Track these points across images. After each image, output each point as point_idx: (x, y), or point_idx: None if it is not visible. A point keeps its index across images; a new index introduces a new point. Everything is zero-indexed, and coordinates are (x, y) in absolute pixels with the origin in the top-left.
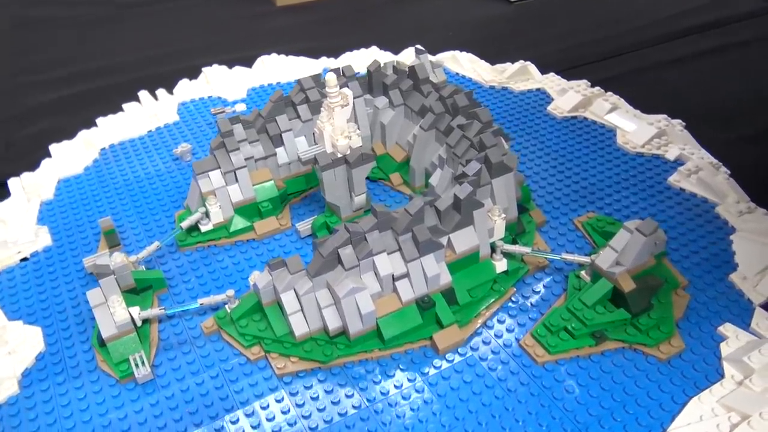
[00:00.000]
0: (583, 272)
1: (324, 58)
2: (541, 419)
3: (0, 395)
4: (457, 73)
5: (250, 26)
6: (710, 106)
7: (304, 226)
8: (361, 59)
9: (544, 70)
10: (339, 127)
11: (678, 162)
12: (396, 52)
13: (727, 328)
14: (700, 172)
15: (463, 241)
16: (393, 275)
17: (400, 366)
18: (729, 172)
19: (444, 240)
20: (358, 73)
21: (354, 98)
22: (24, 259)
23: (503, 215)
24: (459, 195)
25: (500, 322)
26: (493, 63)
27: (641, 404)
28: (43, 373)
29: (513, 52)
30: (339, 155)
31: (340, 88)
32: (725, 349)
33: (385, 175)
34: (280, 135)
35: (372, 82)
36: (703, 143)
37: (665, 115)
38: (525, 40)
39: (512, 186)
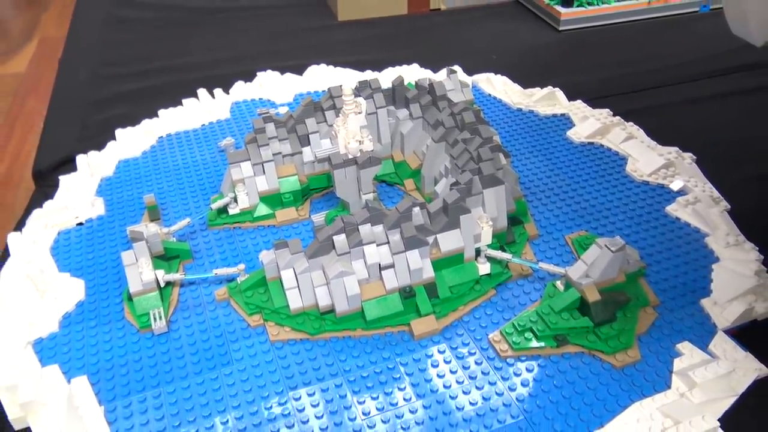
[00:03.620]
0: (558, 282)
1: (369, 71)
2: (494, 404)
3: (42, 331)
4: (489, 94)
5: (311, 37)
6: (728, 145)
7: (319, 218)
8: (402, 74)
9: (572, 97)
10: (352, 132)
11: (680, 193)
12: (435, 70)
13: (684, 346)
14: (697, 203)
15: (449, 241)
16: (380, 264)
17: (378, 345)
18: (729, 207)
19: (431, 239)
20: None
21: (378, 108)
22: (80, 224)
23: (491, 223)
24: (447, 200)
25: (476, 317)
26: (525, 87)
27: (587, 402)
28: (79, 317)
29: (548, 77)
30: (350, 156)
31: (368, 98)
32: (677, 364)
33: (400, 179)
34: (307, 136)
35: (395, 96)
36: (710, 178)
37: (677, 148)
38: (562, 67)
39: (503, 198)
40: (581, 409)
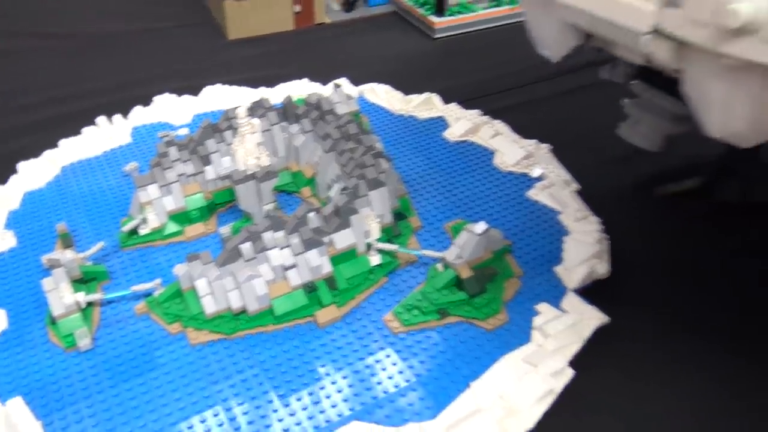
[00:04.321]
0: (438, 264)
1: (262, 88)
2: (390, 372)
3: None
4: (374, 103)
5: (204, 57)
6: (578, 134)
7: (226, 230)
8: (293, 89)
9: (447, 101)
10: (249, 150)
11: (539, 179)
12: (324, 82)
13: (541, 306)
14: (552, 187)
15: (343, 239)
16: (283, 265)
17: (288, 337)
18: (579, 187)
19: (326, 239)
20: (279, 104)
21: (272, 125)
22: None
23: (378, 221)
24: (338, 203)
25: (371, 303)
26: (406, 94)
27: (466, 362)
28: (5, 345)
29: (426, 83)
30: (249, 172)
31: (262, 117)
32: (536, 321)
33: (297, 188)
34: (209, 156)
35: (287, 113)
36: (564, 164)
37: (536, 140)
38: (438, 73)
39: (386, 198)
40: (462, 367)
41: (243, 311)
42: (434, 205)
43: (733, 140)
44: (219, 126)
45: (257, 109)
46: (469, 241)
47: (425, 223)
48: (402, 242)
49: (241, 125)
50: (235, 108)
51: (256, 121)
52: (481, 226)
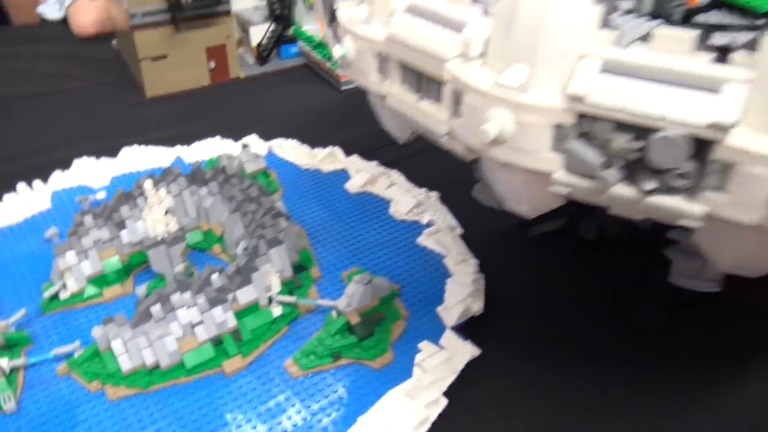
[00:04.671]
0: (333, 312)
1: (178, 146)
2: (289, 413)
3: None
4: (282, 158)
5: (123, 116)
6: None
7: (141, 290)
8: (207, 148)
9: (349, 153)
10: (157, 218)
11: (428, 225)
12: (237, 138)
13: (423, 344)
14: (439, 232)
15: (245, 295)
16: (191, 323)
17: (198, 387)
18: (462, 231)
19: (230, 296)
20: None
21: (182, 190)
22: None
23: (278, 275)
24: (239, 263)
25: (274, 350)
26: (314, 146)
27: (356, 398)
28: None
29: (331, 135)
30: (159, 238)
31: (172, 182)
32: (417, 358)
33: (208, 245)
34: (123, 221)
35: (195, 177)
36: (451, 210)
37: (426, 189)
38: (343, 125)
39: (285, 254)
40: (351, 404)
41: (156, 366)
42: (334, 255)
43: (522, 214)
44: (132, 193)
45: (168, 175)
46: (357, 291)
47: (325, 273)
48: (302, 293)
49: (149, 197)
50: (144, 179)
51: (162, 192)
52: (365, 277)
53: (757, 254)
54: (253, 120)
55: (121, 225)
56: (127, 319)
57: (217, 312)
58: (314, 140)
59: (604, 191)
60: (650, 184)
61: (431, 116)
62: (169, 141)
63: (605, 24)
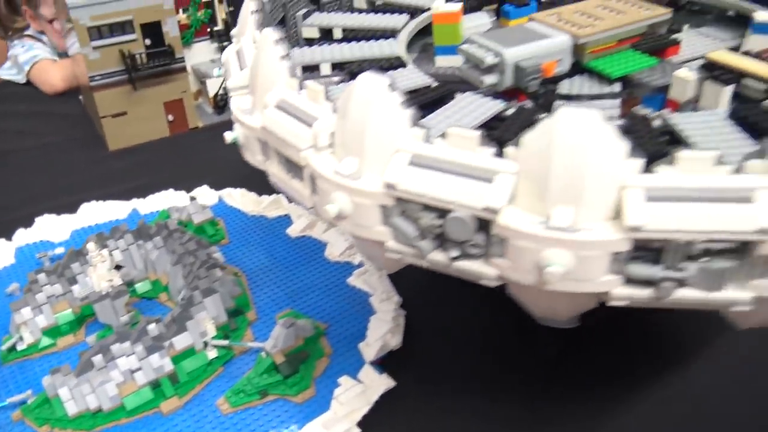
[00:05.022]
0: (262, 353)
1: (135, 199)
2: None
3: None
4: (231, 206)
5: (85, 170)
6: None
7: (92, 339)
8: (160, 199)
9: (292, 199)
10: (101, 275)
11: (359, 266)
12: (190, 189)
13: (343, 379)
14: (367, 273)
15: (181, 342)
16: (131, 369)
17: (137, 427)
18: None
19: (167, 342)
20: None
21: (129, 245)
22: None
23: (213, 322)
24: (174, 313)
25: (209, 390)
26: (260, 194)
27: (277, 431)
28: None
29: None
30: (104, 293)
31: (120, 239)
32: (336, 392)
33: (156, 294)
34: (74, 276)
35: (141, 233)
36: None
37: None
38: None
39: (219, 302)
40: None
41: (100, 410)
42: (271, 298)
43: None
44: (82, 251)
45: (116, 233)
46: (281, 333)
47: (261, 315)
48: (237, 336)
49: (93, 257)
50: (87, 242)
51: (105, 252)
52: (288, 321)
53: (555, 307)
54: (207, 169)
55: (73, 280)
56: (72, 369)
57: (154, 358)
58: (261, 188)
59: (423, 257)
60: (454, 252)
61: (300, 192)
62: (129, 194)
63: (415, 123)
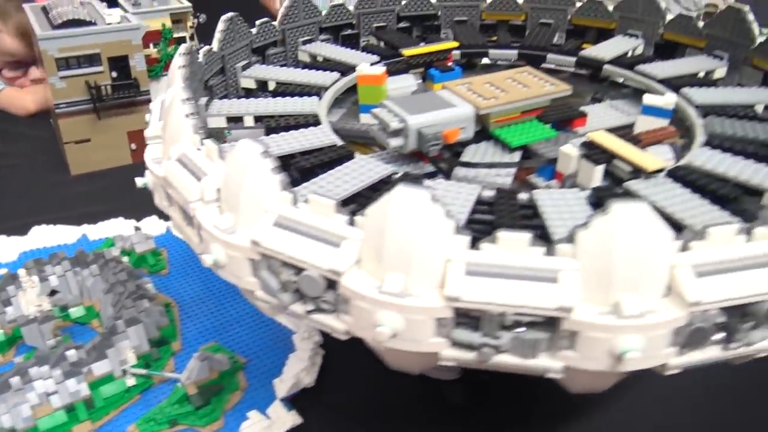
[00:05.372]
0: (179, 384)
1: (85, 225)
2: None
3: None
4: (177, 236)
5: (47, 194)
6: None
7: (19, 359)
8: (109, 227)
9: None
10: (30, 300)
11: None
12: (139, 219)
13: (252, 413)
14: None
15: (100, 368)
16: (47, 392)
17: None
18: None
19: (86, 368)
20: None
21: (65, 271)
22: None
23: (133, 351)
24: (94, 341)
25: (124, 416)
26: None
27: None
28: None
29: None
30: (32, 317)
31: (57, 265)
32: (243, 425)
33: (89, 319)
34: (9, 299)
35: (79, 261)
36: None
37: None
38: None
39: (143, 332)
40: None
41: (14, 430)
42: (199, 329)
43: (269, 315)
44: (18, 275)
45: (54, 258)
46: (195, 366)
47: (187, 346)
48: (159, 366)
49: (24, 281)
50: (29, 262)
51: (35, 277)
52: (203, 355)
53: (401, 361)
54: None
55: (8, 302)
56: None
57: (71, 383)
58: None
59: (285, 308)
60: (309, 306)
61: (191, 239)
62: (82, 219)
63: (285, 188)
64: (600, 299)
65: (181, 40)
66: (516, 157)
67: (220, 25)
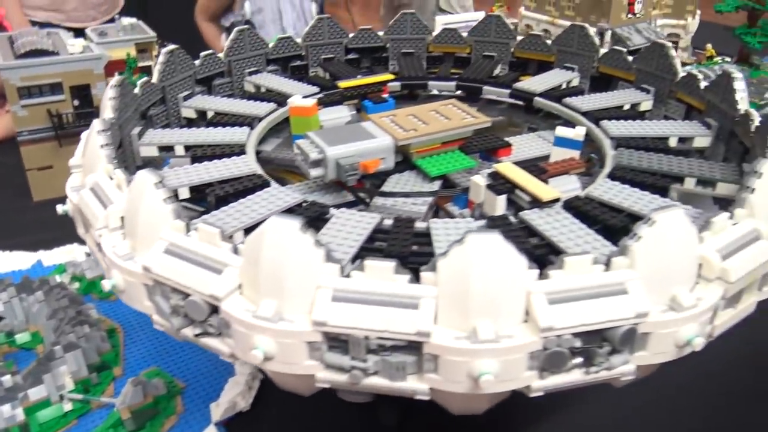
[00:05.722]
0: (115, 409)
1: (41, 251)
2: None
3: None
4: None
5: (7, 220)
6: None
7: None
8: (64, 253)
9: None
10: None
11: None
12: None
13: None
14: None
15: (36, 393)
16: None
17: None
18: None
19: (22, 394)
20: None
21: (11, 298)
22: None
23: (71, 375)
24: (30, 367)
25: None
26: None
27: None
28: None
29: None
30: None
31: (3, 291)
32: None
33: (34, 345)
34: None
35: (24, 287)
36: None
37: None
38: None
39: (81, 357)
40: None
41: None
42: (142, 354)
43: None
44: None
45: (0, 285)
46: (129, 391)
47: (129, 371)
48: (98, 390)
49: None
50: None
51: None
52: (136, 380)
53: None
54: None
55: None
56: None
57: (6, 408)
58: None
59: (177, 331)
60: (197, 330)
61: (102, 265)
62: (39, 245)
63: (177, 217)
64: (460, 325)
65: (146, 69)
66: (435, 186)
67: (161, 58)
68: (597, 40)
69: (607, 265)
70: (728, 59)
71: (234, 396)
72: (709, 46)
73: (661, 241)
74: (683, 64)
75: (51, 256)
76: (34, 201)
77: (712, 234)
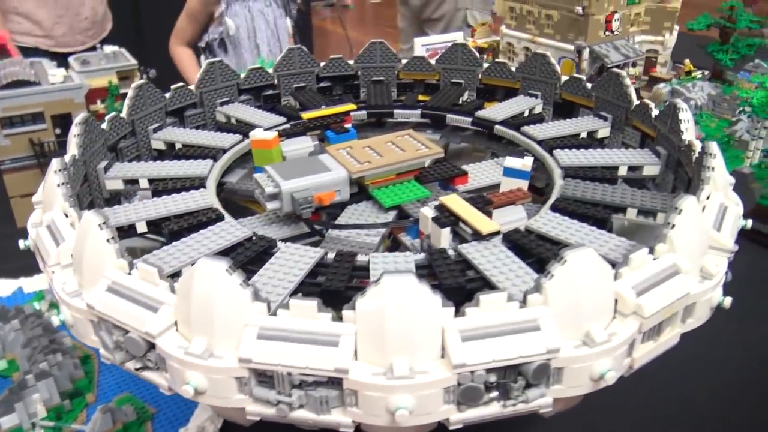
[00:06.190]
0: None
1: (22, 278)
2: None
3: None
4: None
5: None
6: None
7: None
8: (43, 279)
9: None
10: None
11: None
12: None
13: None
14: None
15: (8, 421)
16: None
17: None
18: None
19: None
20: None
21: None
22: None
23: (42, 404)
24: (2, 396)
25: None
26: None
27: None
28: None
29: None
30: None
31: None
32: None
33: (11, 373)
34: None
35: (1, 316)
36: None
37: None
38: None
39: (53, 385)
40: None
41: None
42: (116, 380)
43: None
44: None
45: None
46: (99, 418)
47: (102, 398)
48: (70, 417)
49: None
50: None
51: None
52: (107, 407)
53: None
54: None
55: None
56: None
57: None
58: None
59: (122, 364)
60: (138, 364)
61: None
62: (21, 271)
63: (120, 256)
64: (378, 361)
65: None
66: (390, 217)
67: (130, 92)
68: (558, 68)
69: (524, 301)
70: (707, 72)
71: (203, 421)
72: (687, 61)
73: (572, 279)
74: (661, 80)
75: (31, 283)
76: (18, 227)
77: (629, 270)
